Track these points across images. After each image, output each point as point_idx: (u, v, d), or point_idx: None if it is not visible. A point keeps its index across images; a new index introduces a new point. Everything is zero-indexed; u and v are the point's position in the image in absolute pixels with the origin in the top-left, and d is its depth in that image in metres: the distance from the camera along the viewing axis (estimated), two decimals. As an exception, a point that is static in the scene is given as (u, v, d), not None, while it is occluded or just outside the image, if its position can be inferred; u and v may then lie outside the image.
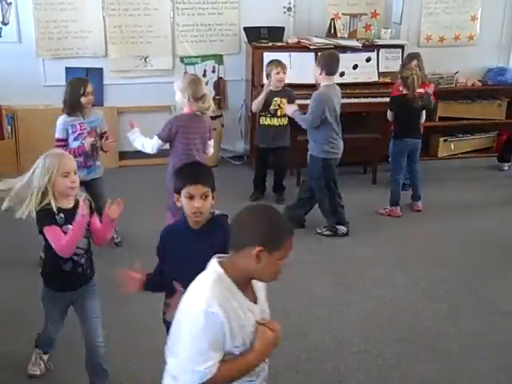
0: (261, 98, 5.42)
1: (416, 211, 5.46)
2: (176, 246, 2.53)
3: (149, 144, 4.28)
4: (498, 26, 7.01)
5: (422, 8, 6.79)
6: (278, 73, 5.35)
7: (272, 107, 5.45)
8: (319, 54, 4.95)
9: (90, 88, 4.34)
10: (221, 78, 6.74)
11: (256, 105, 5.48)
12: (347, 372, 3.37)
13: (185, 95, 4.11)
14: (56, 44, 6.27)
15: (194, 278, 1.95)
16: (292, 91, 5.52)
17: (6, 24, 6.16)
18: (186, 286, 1.99)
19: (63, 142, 4.31)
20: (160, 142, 4.22)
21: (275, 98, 5.42)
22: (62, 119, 4.34)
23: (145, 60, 6.51)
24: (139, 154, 6.56)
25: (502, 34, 7.06)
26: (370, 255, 4.70)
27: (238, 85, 6.40)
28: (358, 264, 4.57)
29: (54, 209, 2.81)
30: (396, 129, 5.41)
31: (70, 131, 4.33)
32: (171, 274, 2.55)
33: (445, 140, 6.95)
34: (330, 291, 4.20)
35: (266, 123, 5.52)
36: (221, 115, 6.58)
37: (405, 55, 6.42)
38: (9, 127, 6.18)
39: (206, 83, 6.66)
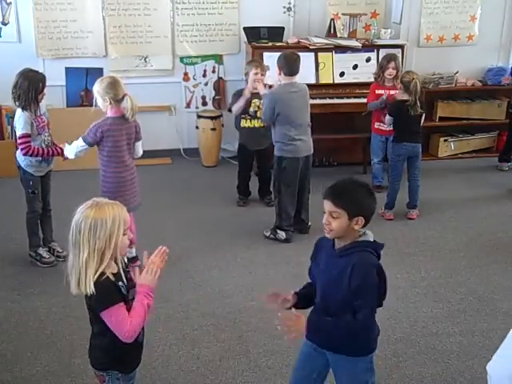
0: (241, 103, 5.28)
1: (409, 219, 5.37)
2: (319, 260, 2.47)
3: (71, 146, 4.11)
4: (497, 25, 7.02)
5: (421, 8, 6.79)
6: (256, 73, 5.24)
7: (251, 109, 5.35)
8: (280, 54, 4.81)
9: (45, 82, 4.22)
10: (221, 78, 6.75)
11: (236, 109, 5.34)
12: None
13: (105, 99, 3.95)
14: (56, 44, 6.27)
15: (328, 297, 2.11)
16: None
17: (5, 24, 6.16)
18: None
19: (30, 138, 4.14)
20: (84, 144, 4.03)
21: (254, 100, 5.30)
22: (24, 114, 4.12)
23: (145, 60, 6.51)
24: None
25: (501, 34, 7.06)
26: (369, 255, 4.70)
27: (238, 85, 6.37)
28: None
29: (112, 277, 2.23)
30: (395, 133, 5.37)
31: (34, 125, 4.17)
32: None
33: (445, 140, 6.95)
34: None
35: (247, 125, 5.42)
36: (221, 115, 6.59)
37: (405, 55, 6.44)
38: (9, 127, 6.18)
39: (206, 83, 6.71)
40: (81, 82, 6.42)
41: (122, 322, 2.21)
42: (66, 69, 6.36)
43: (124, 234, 2.24)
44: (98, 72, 6.44)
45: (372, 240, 2.41)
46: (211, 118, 6.54)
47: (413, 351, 3.56)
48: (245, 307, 3.94)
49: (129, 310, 2.25)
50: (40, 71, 4.31)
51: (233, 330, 3.74)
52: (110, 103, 3.97)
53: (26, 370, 3.35)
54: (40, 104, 4.21)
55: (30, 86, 4.11)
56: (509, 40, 7.10)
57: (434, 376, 3.37)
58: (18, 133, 4.16)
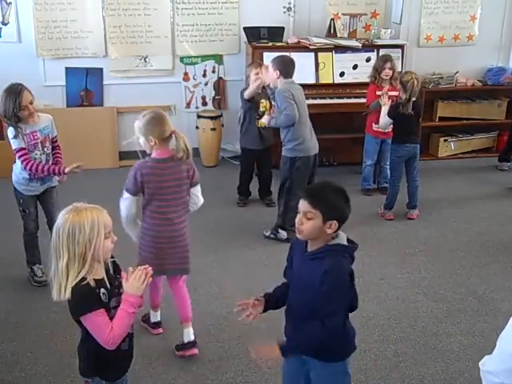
0: (253, 87, 5.25)
1: (409, 219, 5.38)
2: (293, 262, 2.48)
3: (120, 205, 3.31)
4: (497, 25, 7.02)
5: (421, 8, 6.79)
6: (256, 74, 5.26)
7: (261, 109, 5.30)
8: (273, 58, 4.80)
9: (26, 98, 3.78)
10: (221, 78, 6.74)
11: (249, 92, 5.30)
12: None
13: (149, 138, 3.22)
14: (56, 44, 6.27)
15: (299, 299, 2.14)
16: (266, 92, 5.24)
17: (5, 24, 6.16)
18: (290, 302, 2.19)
19: (26, 151, 3.88)
20: (127, 195, 3.27)
21: (262, 100, 5.25)
22: (11, 129, 3.86)
23: (145, 60, 6.51)
24: (140, 154, 6.58)
25: (501, 34, 7.07)
26: (370, 255, 4.70)
27: (238, 85, 6.38)
28: (358, 264, 4.56)
29: (92, 283, 2.18)
30: (396, 135, 5.36)
31: (25, 141, 3.87)
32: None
33: (445, 140, 6.95)
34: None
35: (259, 125, 5.39)
36: (221, 115, 6.59)
37: (405, 55, 6.44)
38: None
39: (206, 83, 6.71)
40: (81, 82, 6.43)
41: (101, 329, 2.18)
42: (66, 69, 6.37)
43: (106, 238, 2.20)
44: (98, 72, 6.45)
45: (345, 242, 2.38)
46: (211, 117, 6.54)
47: (413, 351, 3.56)
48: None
49: (112, 317, 2.23)
50: (19, 84, 3.83)
51: (233, 330, 3.74)
52: (156, 143, 3.23)
53: (26, 369, 3.35)
54: (32, 120, 3.88)
55: (7, 103, 3.77)
56: (509, 40, 7.10)
57: (434, 376, 3.37)
58: (14, 147, 3.91)
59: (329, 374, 2.46)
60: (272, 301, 2.54)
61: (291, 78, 4.69)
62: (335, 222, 2.29)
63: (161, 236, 3.32)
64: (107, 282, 2.25)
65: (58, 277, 2.18)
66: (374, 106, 5.70)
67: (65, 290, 2.16)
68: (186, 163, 3.29)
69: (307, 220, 2.29)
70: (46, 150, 4.00)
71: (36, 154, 3.95)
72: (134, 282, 2.25)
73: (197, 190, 3.41)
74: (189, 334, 3.48)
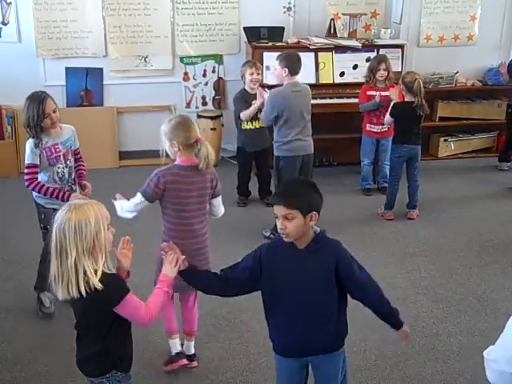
0: (250, 112, 5.24)
1: (409, 219, 5.37)
2: (279, 264, 2.44)
3: (129, 203, 3.18)
4: (497, 25, 7.02)
5: (421, 8, 6.79)
6: (251, 73, 5.26)
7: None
8: (280, 54, 4.81)
9: (50, 106, 3.58)
10: (221, 77, 6.74)
11: (245, 117, 5.30)
12: (347, 372, 3.36)
13: (173, 143, 3.11)
14: (56, 44, 6.27)
15: (304, 298, 2.22)
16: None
17: (5, 24, 6.16)
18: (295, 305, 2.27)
19: (37, 169, 3.64)
20: (143, 200, 3.13)
21: (253, 101, 5.25)
22: (30, 142, 3.63)
23: (145, 60, 6.51)
24: (139, 154, 6.58)
25: (501, 34, 7.06)
26: (370, 255, 4.70)
27: (238, 85, 6.37)
28: (358, 264, 4.57)
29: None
30: (396, 135, 5.36)
31: (44, 155, 3.64)
32: (268, 293, 2.49)
33: (445, 140, 6.95)
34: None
35: (248, 127, 5.40)
36: (221, 115, 6.59)
37: (405, 55, 6.44)
38: (9, 127, 6.19)
39: (206, 83, 6.71)
40: (81, 82, 6.43)
41: (138, 308, 2.28)
42: (66, 69, 6.37)
43: (107, 230, 2.26)
44: (98, 72, 6.45)
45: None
46: (211, 117, 6.54)
47: (413, 351, 3.56)
48: (245, 307, 3.94)
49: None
50: (43, 92, 3.67)
51: (233, 330, 3.74)
52: (179, 149, 3.11)
53: (26, 369, 3.35)
54: (53, 131, 3.67)
55: (30, 112, 3.56)
56: (509, 40, 7.10)
57: (434, 376, 3.37)
58: (25, 162, 3.66)
59: (336, 362, 2.53)
60: (197, 275, 2.69)
61: (297, 74, 4.71)
62: (314, 212, 2.35)
63: (185, 249, 2.91)
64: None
65: (65, 275, 2.19)
66: (365, 107, 5.71)
67: (76, 287, 2.17)
68: (210, 173, 3.19)
69: (289, 221, 2.32)
70: (68, 162, 3.76)
71: (58, 168, 3.70)
72: (168, 265, 2.51)
73: (218, 201, 3.33)
74: (190, 348, 3.44)
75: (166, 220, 3.18)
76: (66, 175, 3.74)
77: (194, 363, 3.43)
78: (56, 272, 2.21)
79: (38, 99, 3.57)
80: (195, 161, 3.13)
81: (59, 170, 3.70)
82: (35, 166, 3.62)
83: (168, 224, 3.18)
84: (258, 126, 5.37)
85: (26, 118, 3.58)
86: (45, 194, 3.64)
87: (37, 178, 3.63)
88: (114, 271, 2.35)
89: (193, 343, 3.45)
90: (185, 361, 3.38)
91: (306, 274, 2.38)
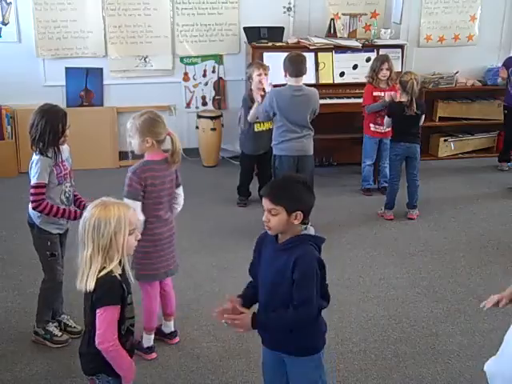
0: (254, 109, 5.19)
1: (409, 219, 5.37)
2: (263, 252, 2.54)
3: None
4: (497, 26, 7.02)
5: (421, 8, 6.79)
6: (259, 74, 5.24)
7: None
8: (287, 55, 4.81)
9: (67, 123, 3.39)
10: (221, 78, 6.75)
11: (251, 118, 5.24)
12: (347, 372, 3.37)
13: (146, 139, 3.17)
14: (56, 44, 6.27)
15: (268, 290, 2.22)
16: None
17: (5, 24, 6.17)
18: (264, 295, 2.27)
19: (45, 189, 3.31)
20: (138, 202, 3.15)
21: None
22: (42, 159, 3.30)
23: (145, 60, 6.51)
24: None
25: (501, 34, 7.07)
26: (370, 255, 4.70)
27: (238, 85, 6.40)
28: (358, 264, 4.57)
29: (119, 278, 2.28)
30: (393, 133, 5.38)
31: (54, 173, 3.34)
32: (257, 277, 2.53)
33: (445, 140, 6.95)
34: (330, 291, 4.19)
35: (261, 129, 5.39)
36: (221, 115, 6.59)
37: (405, 55, 6.44)
38: (9, 127, 6.18)
39: (206, 83, 6.71)
40: (81, 81, 6.43)
41: (109, 327, 2.22)
42: (66, 69, 6.37)
43: (130, 234, 2.28)
44: (98, 72, 6.45)
45: (313, 234, 2.47)
46: (211, 117, 6.54)
47: (413, 351, 3.56)
48: (245, 307, 3.94)
49: (125, 314, 2.31)
50: (61, 107, 3.47)
51: (233, 330, 3.72)
52: (153, 144, 3.21)
53: (26, 369, 3.35)
54: (62, 147, 3.42)
55: (47, 127, 3.28)
56: (509, 40, 7.10)
57: (434, 376, 3.37)
58: (32, 181, 3.31)
59: (304, 369, 2.51)
60: (246, 300, 2.57)
61: (298, 76, 4.69)
62: (299, 212, 2.36)
63: (161, 238, 3.31)
64: (128, 279, 2.36)
65: (81, 266, 2.26)
66: (373, 107, 5.68)
67: (86, 280, 2.22)
68: (175, 165, 3.32)
69: (273, 216, 2.37)
70: (72, 181, 3.50)
71: (66, 187, 3.43)
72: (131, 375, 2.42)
73: (181, 190, 3.46)
74: (171, 326, 3.59)
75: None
76: (72, 195, 3.50)
77: (177, 339, 3.59)
78: (79, 262, 2.28)
79: (56, 115, 3.34)
80: (164, 154, 3.28)
81: (66, 190, 3.44)
82: (44, 186, 3.31)
83: (143, 216, 3.22)
84: (269, 127, 5.28)
85: (40, 134, 3.27)
86: (55, 215, 3.33)
87: (45, 199, 3.30)
88: (131, 278, 2.38)
89: (172, 322, 3.59)
90: (154, 354, 3.46)
91: (272, 267, 2.43)
